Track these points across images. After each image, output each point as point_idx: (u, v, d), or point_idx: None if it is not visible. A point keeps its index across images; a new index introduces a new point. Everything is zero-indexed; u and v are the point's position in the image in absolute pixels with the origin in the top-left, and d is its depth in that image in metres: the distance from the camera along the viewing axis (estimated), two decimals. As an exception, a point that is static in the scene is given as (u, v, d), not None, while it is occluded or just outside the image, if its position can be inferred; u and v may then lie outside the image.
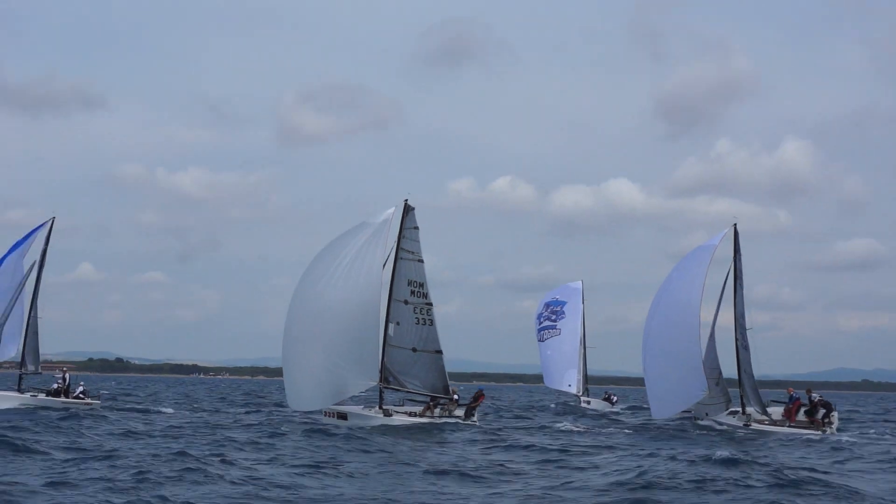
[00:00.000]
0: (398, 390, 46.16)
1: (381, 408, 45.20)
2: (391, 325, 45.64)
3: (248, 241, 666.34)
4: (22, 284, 52.08)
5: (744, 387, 47.35)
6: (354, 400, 47.95)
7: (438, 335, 46.30)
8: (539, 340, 74.21)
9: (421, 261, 46.52)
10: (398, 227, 46.29)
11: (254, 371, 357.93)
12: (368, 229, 45.55)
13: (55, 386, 53.02)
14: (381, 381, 45.02)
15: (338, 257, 45.13)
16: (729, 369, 48.20)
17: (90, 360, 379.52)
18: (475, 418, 46.00)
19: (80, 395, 52.63)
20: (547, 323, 74.03)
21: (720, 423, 46.84)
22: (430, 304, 46.21)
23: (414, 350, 45.73)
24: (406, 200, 46.89)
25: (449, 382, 46.30)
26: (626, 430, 45.52)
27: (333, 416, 44.57)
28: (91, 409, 50.86)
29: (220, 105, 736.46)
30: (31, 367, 52.97)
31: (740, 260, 47.68)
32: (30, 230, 53.53)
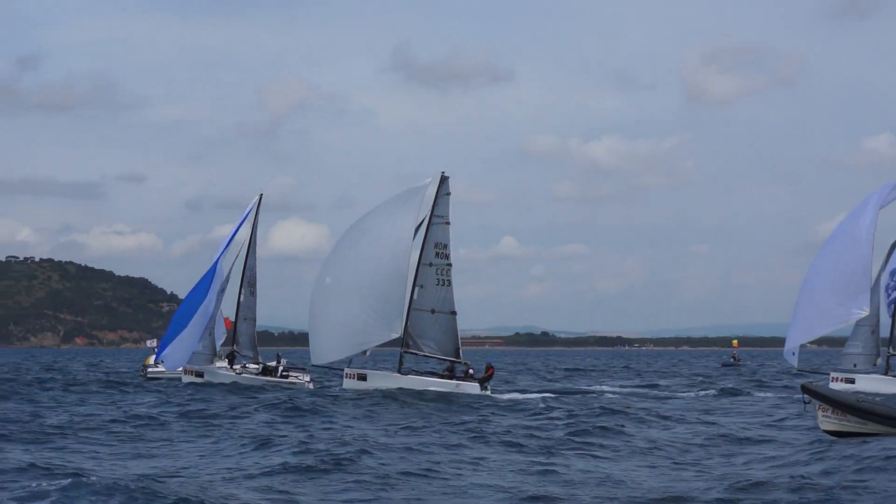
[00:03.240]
0: (416, 354, 48.95)
1: (399, 370, 48.03)
2: (416, 289, 48.67)
3: (665, 209, 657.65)
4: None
5: None
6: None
7: (454, 296, 48.93)
8: None
9: (448, 223, 49.42)
10: (434, 195, 49.30)
11: (677, 341, 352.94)
12: (406, 196, 48.96)
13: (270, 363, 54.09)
14: (402, 345, 48.13)
15: (377, 218, 48.66)
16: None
17: (516, 334, 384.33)
18: (489, 391, 48.09)
19: (285, 374, 52.92)
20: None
21: None
22: (450, 265, 49.02)
23: (433, 311, 48.54)
24: (443, 172, 49.95)
25: (460, 346, 48.91)
26: None
27: (354, 378, 47.49)
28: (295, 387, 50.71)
29: (625, 70, 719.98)
30: (247, 353, 53.88)
31: None
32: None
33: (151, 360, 63.65)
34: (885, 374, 49.96)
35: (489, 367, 49.69)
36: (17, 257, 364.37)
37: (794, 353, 50.82)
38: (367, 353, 49.83)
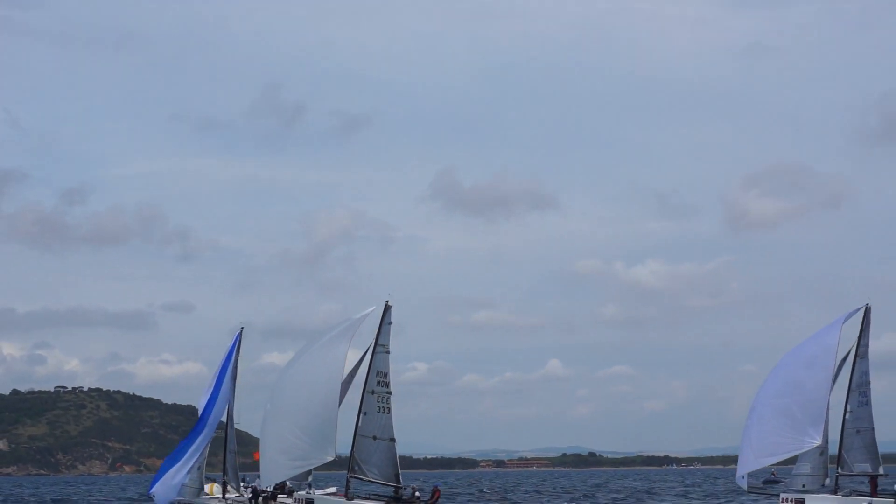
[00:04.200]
0: (361, 479, 49.92)
1: (346, 495, 49.08)
2: (361, 416, 49.95)
3: (710, 329, 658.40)
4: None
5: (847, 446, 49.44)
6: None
7: (393, 423, 49.87)
8: None
9: (388, 352, 50.67)
10: (378, 325, 50.65)
11: (725, 460, 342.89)
12: (345, 324, 50.53)
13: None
14: (349, 469, 49.34)
15: (314, 346, 50.38)
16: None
17: (563, 455, 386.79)
18: None
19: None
20: None
21: None
22: (390, 393, 50.10)
23: (374, 438, 49.59)
24: (387, 301, 51.11)
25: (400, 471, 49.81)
26: None
27: (302, 502, 48.92)
28: None
29: (668, 195, 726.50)
30: (232, 484, 55.96)
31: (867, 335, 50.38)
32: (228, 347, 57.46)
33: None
34: (835, 493, 49.86)
35: (435, 491, 50.33)
36: (66, 387, 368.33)
37: (743, 478, 51.28)
38: (310, 479, 51.25)
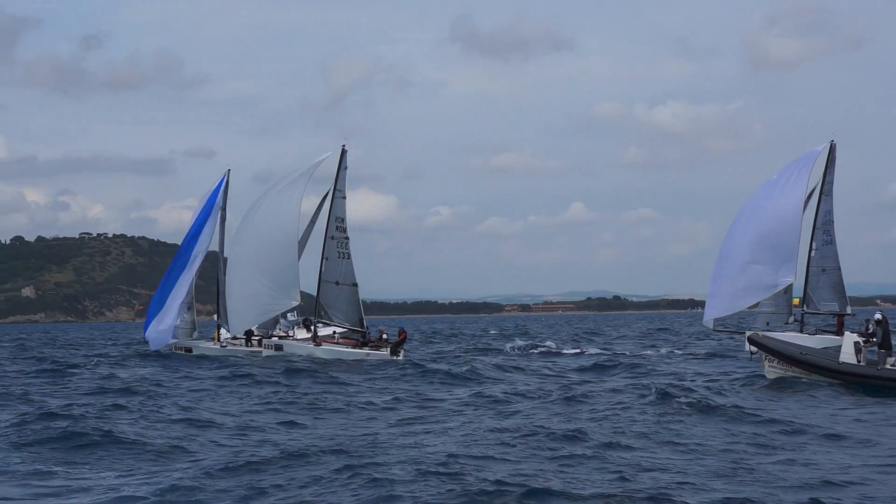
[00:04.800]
0: (328, 324, 49.98)
1: (313, 340, 49.20)
2: (323, 262, 49.64)
3: (731, 172, 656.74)
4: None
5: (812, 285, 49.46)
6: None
7: (354, 269, 49.89)
8: None
9: (344, 197, 50.17)
10: (336, 170, 50.05)
11: None
12: (301, 169, 50.23)
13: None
14: (315, 314, 49.41)
15: (271, 194, 50.06)
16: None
17: (588, 299, 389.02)
18: (400, 356, 48.80)
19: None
20: None
21: None
22: (348, 238, 49.82)
23: (337, 283, 49.40)
24: (343, 146, 50.60)
25: (364, 317, 49.91)
26: None
27: (271, 349, 48.85)
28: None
29: (688, 36, 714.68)
30: (226, 327, 53.78)
31: (832, 173, 50.07)
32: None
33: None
34: (801, 331, 49.66)
35: (401, 332, 50.42)
36: (91, 234, 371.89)
37: (709, 322, 51.17)
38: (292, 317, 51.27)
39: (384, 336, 49.29)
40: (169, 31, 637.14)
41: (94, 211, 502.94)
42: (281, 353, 48.98)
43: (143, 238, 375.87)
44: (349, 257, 49.58)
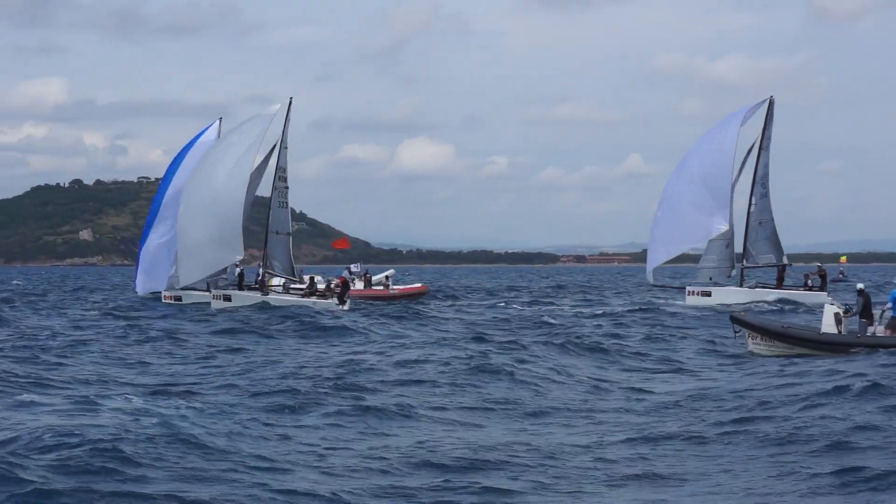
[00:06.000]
0: (272, 274, 51.08)
1: (262, 290, 50.19)
2: (270, 213, 50.68)
3: (794, 126, 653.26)
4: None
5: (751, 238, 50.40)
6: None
7: (290, 218, 51.24)
8: None
9: (286, 147, 51.31)
10: (283, 121, 51.11)
11: (807, 258, 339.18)
12: (250, 123, 50.92)
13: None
14: (263, 265, 50.54)
15: (221, 145, 50.97)
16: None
17: (644, 251, 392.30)
18: (346, 306, 48.76)
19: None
20: None
21: None
22: (287, 188, 50.85)
23: (277, 233, 50.58)
24: (291, 98, 51.69)
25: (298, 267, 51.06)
26: None
27: (220, 299, 49.70)
28: None
29: None
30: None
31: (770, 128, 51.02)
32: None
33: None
34: (741, 286, 50.17)
35: (341, 279, 51.24)
36: (149, 178, 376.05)
37: (650, 272, 51.90)
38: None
39: (332, 286, 50.24)
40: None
41: (153, 155, 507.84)
42: (230, 303, 49.84)
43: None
44: (287, 206, 50.69)
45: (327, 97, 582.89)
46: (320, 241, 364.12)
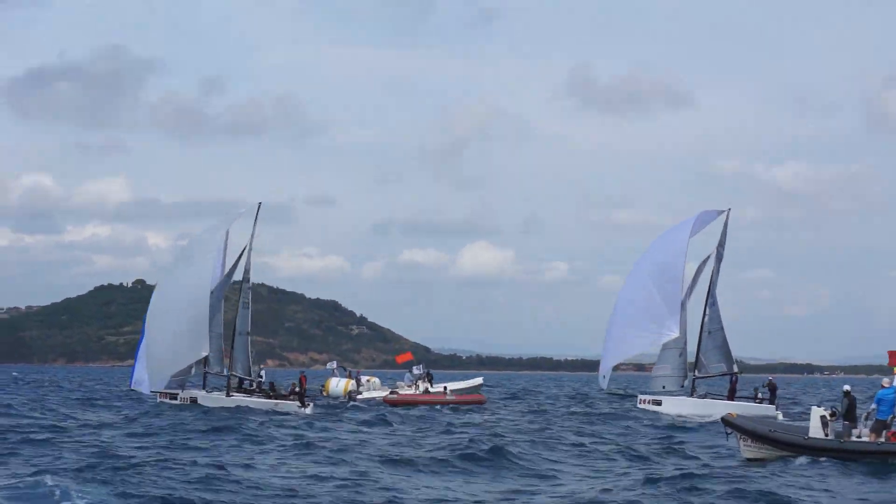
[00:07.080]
0: (234, 376, 52.54)
1: (228, 392, 51.64)
2: (238, 313, 52.48)
3: (854, 234, 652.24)
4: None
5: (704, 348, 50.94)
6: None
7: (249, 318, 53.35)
8: None
9: (251, 249, 53.73)
10: (252, 224, 53.35)
11: (869, 369, 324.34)
12: (220, 223, 53.07)
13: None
14: (229, 367, 52.11)
15: (192, 243, 53.10)
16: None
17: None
18: (309, 408, 49.31)
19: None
20: None
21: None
22: (251, 288, 52.66)
23: (240, 334, 52.21)
24: (259, 203, 54.22)
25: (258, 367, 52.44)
26: None
27: (187, 401, 51.24)
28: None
29: (807, 93, 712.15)
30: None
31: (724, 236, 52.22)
32: None
33: (343, 384, 65.37)
34: (691, 395, 50.78)
35: (302, 378, 52.64)
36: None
37: (605, 377, 52.65)
38: (192, 373, 53.40)
39: (297, 389, 51.44)
40: (291, 76, 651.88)
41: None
42: (196, 404, 51.25)
43: (263, 285, 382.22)
44: (249, 306, 52.39)
45: (388, 199, 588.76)
46: (380, 345, 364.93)
